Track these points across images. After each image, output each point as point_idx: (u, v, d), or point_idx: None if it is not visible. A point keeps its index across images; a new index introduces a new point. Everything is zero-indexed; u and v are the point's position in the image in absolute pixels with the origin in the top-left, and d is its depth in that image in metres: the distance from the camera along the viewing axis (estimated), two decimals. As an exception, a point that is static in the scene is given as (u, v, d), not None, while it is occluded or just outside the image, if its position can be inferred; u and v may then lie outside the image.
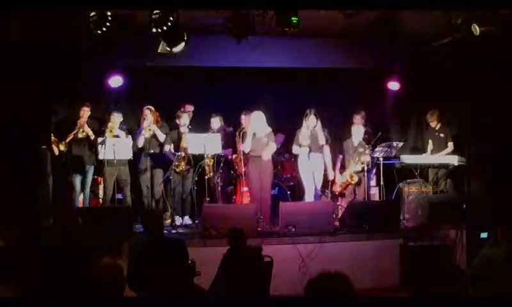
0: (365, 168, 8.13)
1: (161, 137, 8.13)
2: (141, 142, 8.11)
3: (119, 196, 8.23)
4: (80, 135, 8.04)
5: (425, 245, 7.09)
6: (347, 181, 8.29)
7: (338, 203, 8.33)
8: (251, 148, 7.65)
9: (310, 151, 7.82)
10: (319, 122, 7.78)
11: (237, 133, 8.11)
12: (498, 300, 3.53)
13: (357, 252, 6.97)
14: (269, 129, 7.72)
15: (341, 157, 8.60)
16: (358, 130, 8.36)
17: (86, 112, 8.10)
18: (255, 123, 7.64)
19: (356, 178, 8.20)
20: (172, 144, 8.17)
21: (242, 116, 8.35)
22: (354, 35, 7.46)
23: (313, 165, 7.80)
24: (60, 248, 4.22)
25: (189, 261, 4.86)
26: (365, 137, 8.38)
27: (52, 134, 7.83)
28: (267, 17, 6.28)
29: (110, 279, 3.17)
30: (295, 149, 7.93)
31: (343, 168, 8.47)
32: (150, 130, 8.06)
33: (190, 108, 8.70)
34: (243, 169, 7.93)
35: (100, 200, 8.44)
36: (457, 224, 7.37)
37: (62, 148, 8.07)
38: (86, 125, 8.04)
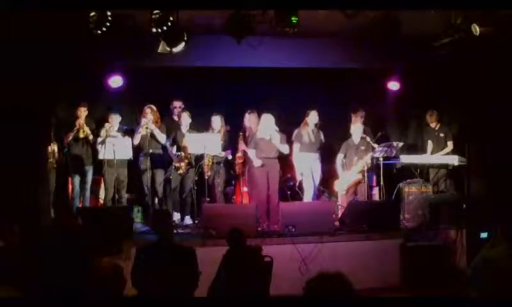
0: (366, 168, 8.14)
1: (160, 136, 8.09)
2: (137, 140, 8.06)
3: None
4: (81, 135, 8.02)
5: (425, 245, 7.10)
6: (356, 180, 8.27)
7: (338, 203, 8.33)
8: (259, 149, 7.65)
9: (309, 151, 7.81)
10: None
11: (240, 134, 8.08)
12: (498, 300, 3.53)
13: (357, 252, 6.97)
14: (277, 130, 7.73)
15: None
16: (356, 129, 8.37)
17: (83, 112, 8.08)
18: (265, 126, 7.65)
19: (361, 177, 8.21)
20: (174, 146, 8.16)
21: (246, 116, 8.35)
22: (354, 35, 7.45)
23: (312, 166, 7.78)
24: (60, 248, 4.22)
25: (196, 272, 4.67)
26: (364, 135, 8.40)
27: (52, 134, 7.83)
28: (267, 17, 6.27)
29: (110, 279, 3.17)
30: (295, 147, 7.93)
31: (344, 168, 8.48)
32: (147, 128, 8.00)
33: (177, 104, 8.58)
34: (243, 170, 7.92)
35: (101, 200, 8.43)
36: (457, 224, 7.37)
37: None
38: (85, 125, 8.03)
